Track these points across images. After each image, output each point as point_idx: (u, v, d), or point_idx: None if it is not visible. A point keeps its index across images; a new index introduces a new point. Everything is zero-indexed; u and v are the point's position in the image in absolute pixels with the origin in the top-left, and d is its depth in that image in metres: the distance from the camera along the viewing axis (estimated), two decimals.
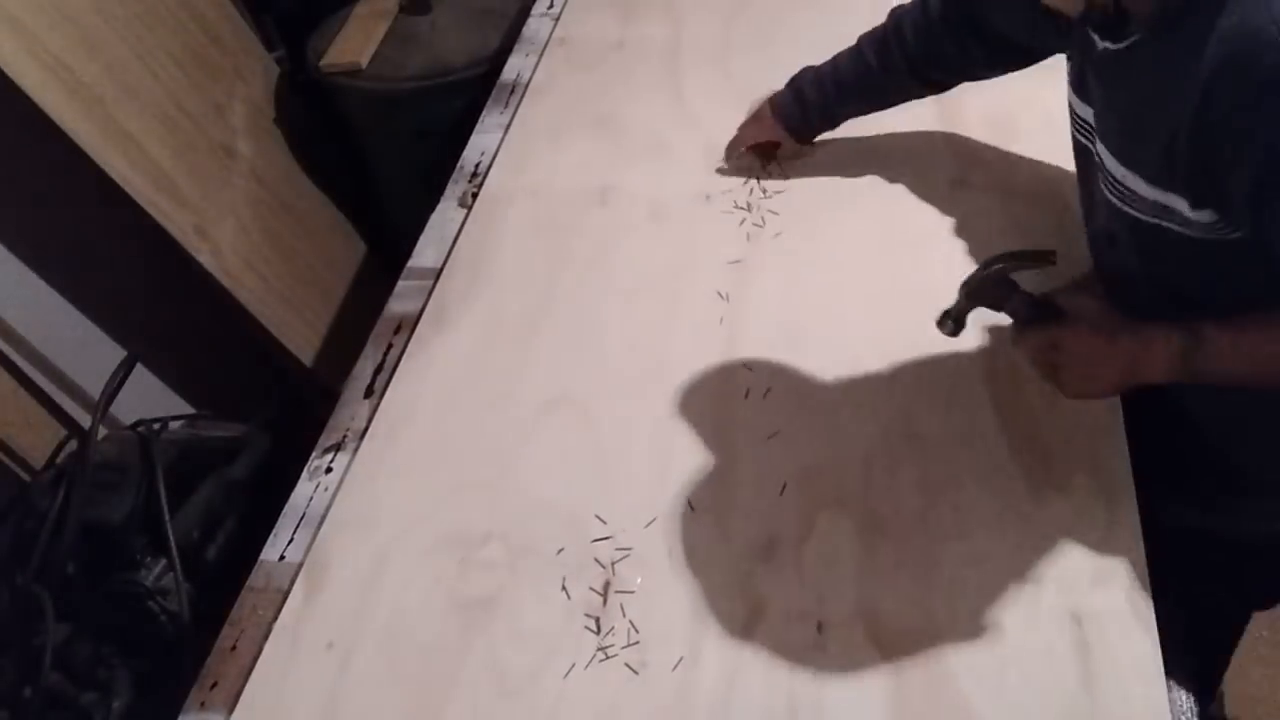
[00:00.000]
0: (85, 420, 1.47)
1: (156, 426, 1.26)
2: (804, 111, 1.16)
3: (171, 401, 1.70)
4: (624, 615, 0.79)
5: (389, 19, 1.88)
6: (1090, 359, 0.76)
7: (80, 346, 1.52)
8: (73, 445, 1.43)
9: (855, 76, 1.12)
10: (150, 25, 1.59)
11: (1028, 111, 1.18)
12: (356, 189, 1.98)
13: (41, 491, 1.10)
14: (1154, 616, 0.74)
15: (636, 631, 0.78)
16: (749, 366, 0.97)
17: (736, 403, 0.94)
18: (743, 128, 1.22)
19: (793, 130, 1.18)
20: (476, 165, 1.30)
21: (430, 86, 1.76)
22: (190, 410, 1.65)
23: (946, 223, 1.07)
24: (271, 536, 0.92)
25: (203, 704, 0.80)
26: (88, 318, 1.57)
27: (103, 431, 1.21)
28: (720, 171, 1.22)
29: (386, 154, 1.92)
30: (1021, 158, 1.13)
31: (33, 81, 1.34)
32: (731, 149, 1.22)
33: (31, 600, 1.00)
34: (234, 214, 1.70)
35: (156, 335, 1.66)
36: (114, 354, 1.53)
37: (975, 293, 0.80)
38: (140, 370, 1.52)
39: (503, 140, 1.33)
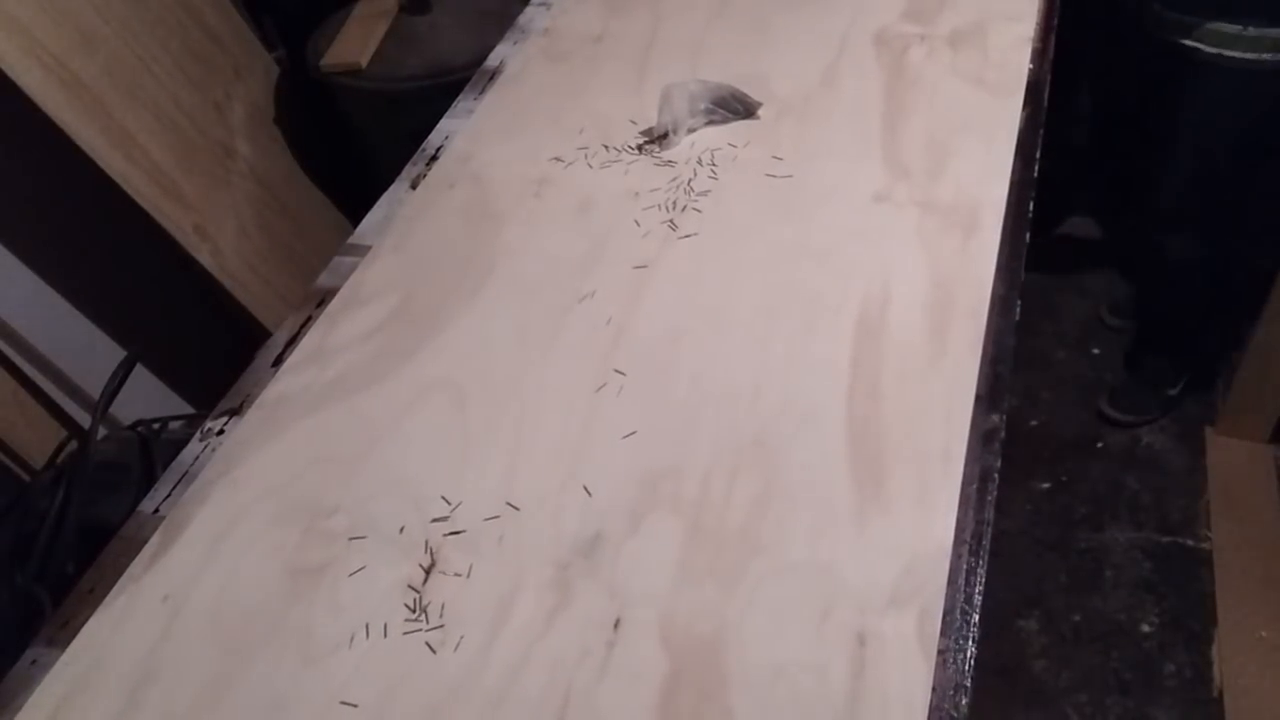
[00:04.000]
0: (85, 420, 1.47)
1: (156, 426, 1.26)
2: None
3: (171, 401, 1.70)
4: (440, 596, 0.81)
5: (389, 19, 1.88)
6: None
7: (80, 346, 1.53)
8: (73, 445, 1.44)
9: None
10: (150, 25, 1.59)
11: (964, 132, 1.20)
12: (356, 189, 1.98)
13: (41, 491, 1.10)
14: (936, 649, 0.74)
15: (443, 614, 0.80)
16: (623, 367, 0.98)
17: (602, 401, 0.95)
18: None
19: None
20: (438, 149, 1.31)
21: (430, 86, 1.76)
22: (190, 410, 1.66)
23: (857, 234, 1.09)
24: (153, 490, 0.94)
25: (50, 640, 0.84)
26: (88, 318, 1.57)
27: (103, 431, 1.21)
28: (656, 167, 1.22)
29: (386, 154, 1.92)
30: (948, 176, 1.15)
31: (33, 81, 1.34)
32: None
33: (31, 600, 1.00)
34: (234, 214, 1.70)
35: (156, 335, 1.66)
36: (114, 354, 1.54)
37: None
38: (140, 370, 1.52)
39: (464, 125, 1.33)
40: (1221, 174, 1.58)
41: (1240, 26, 1.30)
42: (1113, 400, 1.94)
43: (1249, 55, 1.32)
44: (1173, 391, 1.92)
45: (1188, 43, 1.37)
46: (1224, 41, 1.33)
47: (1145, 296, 1.99)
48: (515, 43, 1.50)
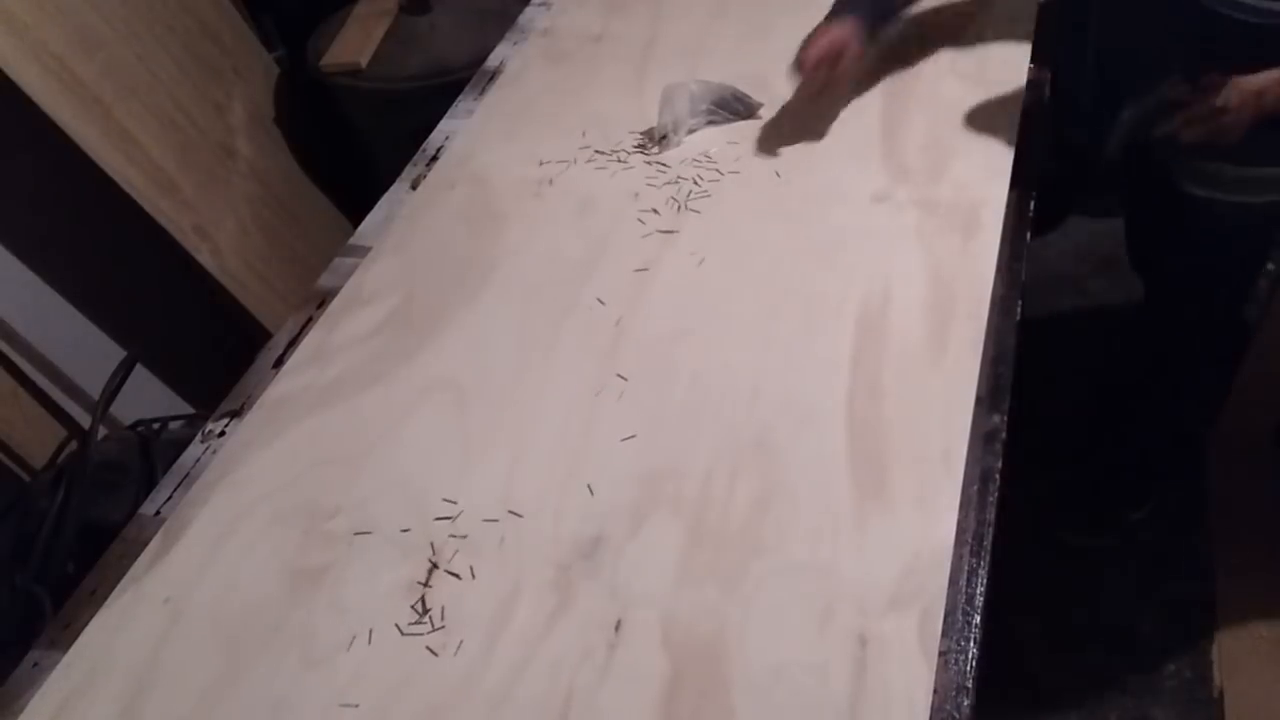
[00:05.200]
0: (85, 420, 1.47)
1: (156, 426, 1.26)
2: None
3: (171, 401, 1.70)
4: (441, 598, 0.81)
5: (389, 19, 1.88)
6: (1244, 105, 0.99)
7: (80, 346, 1.52)
8: (73, 445, 1.44)
9: None
10: (150, 25, 1.59)
11: (964, 132, 1.21)
12: (356, 189, 1.98)
13: (41, 491, 1.11)
14: (938, 650, 0.74)
15: (444, 615, 0.80)
16: (623, 368, 0.98)
17: (603, 402, 0.96)
18: (815, 39, 1.18)
19: (871, 22, 1.19)
20: (438, 149, 1.31)
21: (430, 86, 1.76)
22: (190, 410, 1.65)
23: (858, 235, 1.09)
24: (154, 492, 0.95)
25: (53, 641, 0.84)
26: (88, 318, 1.57)
27: (103, 431, 1.22)
28: (657, 167, 1.23)
29: (386, 154, 1.92)
30: (948, 176, 1.15)
31: (33, 81, 1.34)
32: (812, 62, 1.17)
33: (31, 600, 1.00)
34: (234, 214, 1.70)
35: (156, 335, 1.66)
36: (114, 354, 1.54)
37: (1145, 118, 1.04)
38: (140, 370, 1.52)
39: (464, 126, 1.34)
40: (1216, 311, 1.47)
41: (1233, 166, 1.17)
42: (1074, 525, 1.75)
43: (1239, 198, 1.19)
44: (1138, 516, 1.74)
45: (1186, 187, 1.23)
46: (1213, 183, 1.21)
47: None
48: (515, 43, 1.50)
